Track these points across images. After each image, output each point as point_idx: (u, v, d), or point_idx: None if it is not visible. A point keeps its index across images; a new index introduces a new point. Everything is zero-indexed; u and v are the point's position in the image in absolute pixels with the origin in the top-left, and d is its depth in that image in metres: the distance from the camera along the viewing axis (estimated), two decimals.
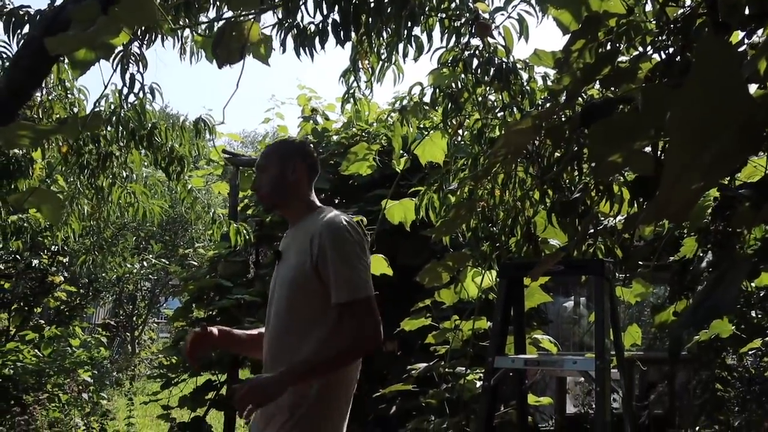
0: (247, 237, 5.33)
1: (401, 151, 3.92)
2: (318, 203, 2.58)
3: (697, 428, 5.02)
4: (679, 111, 0.94)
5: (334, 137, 6.36)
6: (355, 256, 2.37)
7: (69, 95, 4.95)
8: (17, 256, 7.76)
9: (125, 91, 3.93)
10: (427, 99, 3.72)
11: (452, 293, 3.64)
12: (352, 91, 4.18)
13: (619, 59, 2.50)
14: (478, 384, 3.88)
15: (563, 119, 2.42)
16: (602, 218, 3.30)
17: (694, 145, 0.98)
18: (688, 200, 1.12)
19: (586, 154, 2.94)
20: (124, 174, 5.31)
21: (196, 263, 8.95)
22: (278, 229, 6.20)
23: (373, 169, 3.99)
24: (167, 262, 11.16)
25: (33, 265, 7.84)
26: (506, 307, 2.91)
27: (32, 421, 4.52)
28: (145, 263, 10.88)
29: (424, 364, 3.98)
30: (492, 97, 3.60)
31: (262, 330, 2.58)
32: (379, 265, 4.01)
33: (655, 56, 2.48)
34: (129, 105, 4.45)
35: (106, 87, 3.76)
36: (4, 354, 5.75)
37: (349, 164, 3.89)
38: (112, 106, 4.51)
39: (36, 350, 5.94)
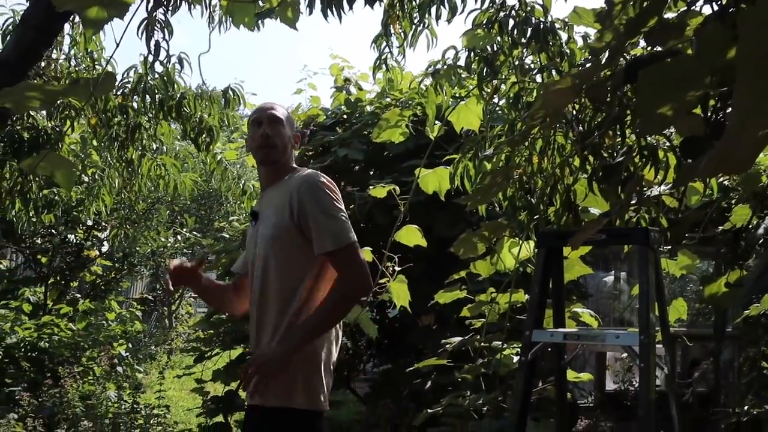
0: None
1: (435, 119, 3.78)
2: (295, 165, 2.67)
3: (744, 407, 4.84)
4: (751, 35, 0.79)
5: (368, 107, 6.23)
6: (335, 207, 2.45)
7: (97, 66, 4.88)
8: (53, 231, 7.78)
9: (150, 59, 3.83)
10: (461, 63, 3.57)
11: (488, 265, 3.50)
12: (384, 57, 4.04)
13: (666, 15, 2.33)
14: (515, 359, 3.75)
15: (605, 77, 2.25)
16: (646, 187, 3.14)
17: (765, 78, 0.83)
18: (754, 148, 0.98)
19: (630, 117, 2.78)
20: (154, 146, 5.24)
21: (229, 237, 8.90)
22: None
23: (406, 136, 3.84)
24: (201, 236, 11.13)
25: (68, 239, 7.85)
26: (545, 279, 2.77)
27: (65, 393, 4.48)
28: (179, 237, 10.88)
29: (460, 338, 3.85)
30: (529, 60, 3.43)
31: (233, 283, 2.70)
32: (413, 236, 3.88)
33: (706, 9, 2.31)
34: (156, 74, 4.36)
35: (113, 48, 3.66)
36: (40, 327, 5.75)
37: (381, 131, 3.74)
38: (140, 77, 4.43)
39: (70, 324, 5.93)
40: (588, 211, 3.24)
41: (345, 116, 6.35)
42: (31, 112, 4.79)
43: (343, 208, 2.49)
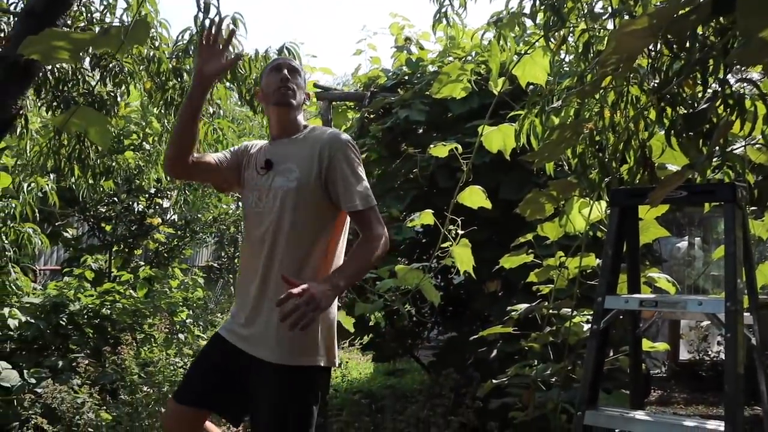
0: None
1: (499, 76, 3.56)
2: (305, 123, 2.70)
3: None
4: None
5: (430, 67, 6.00)
6: (361, 169, 2.54)
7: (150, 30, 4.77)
8: (116, 199, 7.80)
9: (200, 16, 3.69)
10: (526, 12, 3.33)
11: (557, 227, 3.28)
12: (444, 9, 3.83)
13: None
14: (586, 327, 3.54)
15: (687, 13, 2.00)
16: (731, 140, 2.88)
17: None
18: None
19: (713, 62, 2.52)
20: (211, 110, 5.13)
21: None
22: (373, 165, 5.95)
23: (468, 91, 3.64)
24: None
25: (132, 207, 7.86)
26: (618, 241, 2.54)
27: (125, 360, 4.44)
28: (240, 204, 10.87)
29: (526, 305, 3.66)
30: (599, 5, 3.17)
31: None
32: (477, 197, 3.69)
33: None
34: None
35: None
36: (102, 295, 5.74)
37: (441, 86, 3.53)
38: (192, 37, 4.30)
39: (131, 291, 5.92)
40: (665, 167, 2.99)
41: (406, 77, 6.14)
42: (86, 77, 4.72)
43: (364, 169, 2.57)
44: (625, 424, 2.32)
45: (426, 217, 3.78)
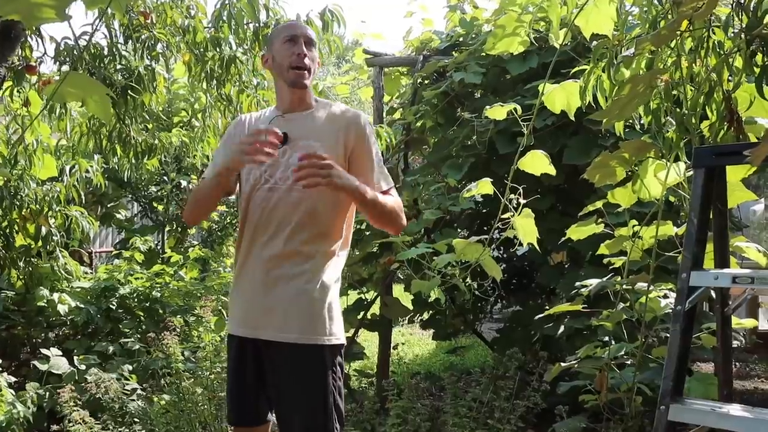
0: (389, 141, 4.81)
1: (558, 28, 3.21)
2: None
3: None
4: None
5: (485, 27, 5.64)
6: (377, 147, 2.55)
7: None
8: (165, 178, 7.64)
9: None
10: None
11: (629, 193, 2.93)
12: None
13: None
14: (663, 302, 3.20)
15: None
16: None
17: None
18: None
19: None
20: (255, 81, 4.87)
21: None
22: (435, 133, 5.65)
23: (526, 46, 3.29)
24: None
25: (181, 186, 7.69)
26: (705, 207, 2.20)
27: (174, 344, 4.25)
28: None
29: (597, 281, 3.33)
30: None
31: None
32: (539, 162, 3.36)
33: None
34: None
35: None
36: (151, 277, 5.59)
37: (496, 40, 3.20)
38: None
39: (181, 273, 5.75)
40: (754, 122, 2.63)
41: (460, 38, 5.79)
42: (122, 53, 4.50)
43: None
44: (719, 420, 1.99)
45: (484, 186, 3.46)
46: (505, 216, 3.47)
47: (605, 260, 3.36)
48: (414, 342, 8.59)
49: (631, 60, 2.69)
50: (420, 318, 6.31)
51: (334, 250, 2.48)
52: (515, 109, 3.32)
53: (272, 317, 2.38)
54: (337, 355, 2.42)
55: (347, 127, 2.44)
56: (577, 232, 3.31)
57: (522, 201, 3.42)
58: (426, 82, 5.80)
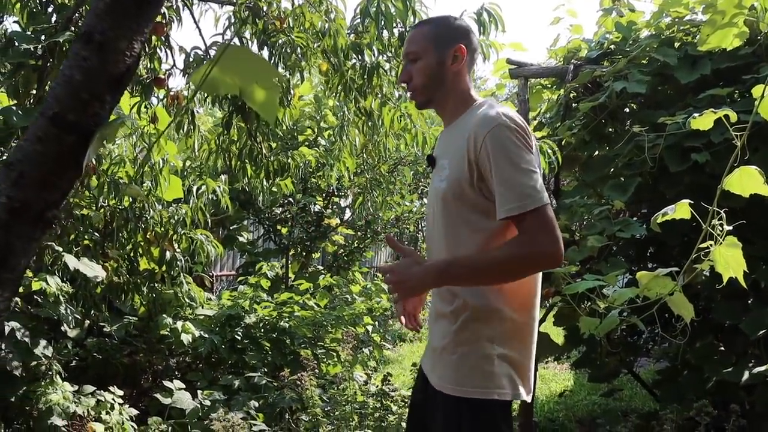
0: (552, 159, 4.29)
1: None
2: (476, 96, 2.16)
3: None
4: None
5: (644, 32, 5.05)
6: (519, 157, 1.92)
7: (324, 1, 4.13)
8: (290, 200, 7.30)
9: None
10: None
11: None
12: None
13: None
14: None
15: None
16: None
17: None
18: None
19: None
20: (397, 94, 4.44)
21: None
22: (582, 150, 5.08)
23: (745, 38, 2.69)
24: None
25: (307, 208, 7.34)
26: None
27: (308, 378, 3.83)
28: (425, 200, 10.13)
29: None
30: None
31: None
32: (750, 181, 2.75)
33: None
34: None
35: None
36: (279, 306, 5.21)
37: (712, 32, 2.61)
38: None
39: (310, 302, 5.35)
40: None
41: (613, 45, 5.21)
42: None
43: (529, 153, 1.94)
44: None
45: (682, 210, 2.88)
46: (704, 245, 2.89)
47: None
48: (548, 377, 7.93)
49: None
50: (567, 357, 5.70)
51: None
52: (727, 115, 2.73)
53: (428, 354, 2.24)
54: (491, 413, 2.12)
55: (469, 137, 1.99)
56: None
57: (726, 227, 2.84)
58: (579, 93, 5.23)
